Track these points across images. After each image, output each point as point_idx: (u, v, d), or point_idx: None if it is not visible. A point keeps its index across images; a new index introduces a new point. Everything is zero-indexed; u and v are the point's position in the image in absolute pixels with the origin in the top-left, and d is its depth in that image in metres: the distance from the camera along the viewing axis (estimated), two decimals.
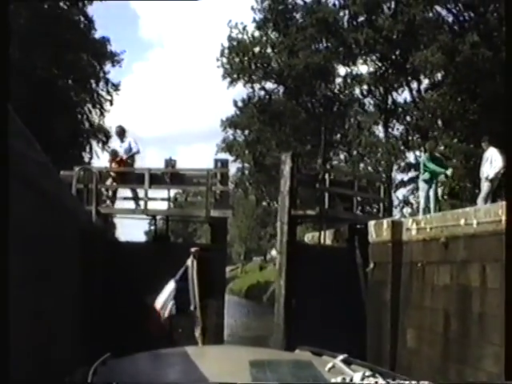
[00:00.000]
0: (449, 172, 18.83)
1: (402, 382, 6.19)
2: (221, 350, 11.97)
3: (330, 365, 7.18)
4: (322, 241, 20.53)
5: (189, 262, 15.47)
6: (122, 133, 20.89)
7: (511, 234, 5.08)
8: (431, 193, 18.14)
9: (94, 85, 45.67)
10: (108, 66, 45.89)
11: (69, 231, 13.13)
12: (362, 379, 5.61)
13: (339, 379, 5.93)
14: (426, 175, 18.08)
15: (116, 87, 46.53)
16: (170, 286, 15.69)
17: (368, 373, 6.08)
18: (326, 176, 19.92)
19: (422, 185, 18.41)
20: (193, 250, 15.68)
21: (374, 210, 27.69)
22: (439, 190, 21.58)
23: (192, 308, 15.13)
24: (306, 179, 19.97)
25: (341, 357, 7.75)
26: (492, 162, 15.91)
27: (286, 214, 17.63)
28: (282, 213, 17.87)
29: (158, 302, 15.49)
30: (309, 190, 21.86)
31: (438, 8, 40.96)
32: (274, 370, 6.88)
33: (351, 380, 5.68)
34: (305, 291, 17.20)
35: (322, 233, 20.82)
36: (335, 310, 16.93)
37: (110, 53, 45.56)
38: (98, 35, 44.23)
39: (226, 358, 8.68)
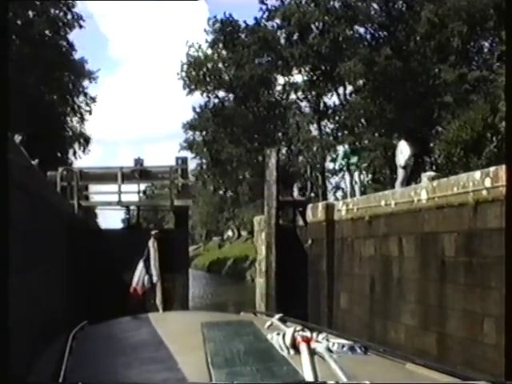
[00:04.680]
0: (354, 160, 18.41)
1: (326, 334, 6.25)
2: (178, 314, 11.93)
3: (268, 323, 7.21)
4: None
5: (150, 242, 15.37)
6: None
7: (511, 203, 4.88)
8: (356, 179, 18.18)
9: (75, 98, 45.12)
10: (86, 82, 45.55)
11: (55, 222, 12.92)
12: (293, 333, 5.63)
13: (274, 334, 5.96)
14: (351, 165, 18.05)
15: (93, 100, 46.20)
16: (140, 265, 15.56)
17: (298, 328, 6.11)
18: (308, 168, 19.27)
19: (347, 173, 18.38)
20: (153, 232, 15.64)
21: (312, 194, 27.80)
22: (363, 177, 21.66)
23: (154, 281, 15.01)
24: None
25: (277, 316, 7.81)
26: (403, 152, 16.04)
27: (274, 199, 16.98)
28: (269, 199, 17.12)
29: (134, 281, 15.34)
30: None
31: (358, 27, 41.40)
32: (221, 329, 6.90)
33: (284, 335, 5.70)
34: (287, 264, 16.87)
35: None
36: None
37: (88, 71, 45.08)
38: (76, 57, 43.76)
39: (182, 321, 8.67)
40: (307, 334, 5.85)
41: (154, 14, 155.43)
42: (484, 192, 8.98)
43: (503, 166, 8.04)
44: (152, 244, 15.56)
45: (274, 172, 17.05)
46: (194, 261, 64.98)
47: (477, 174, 9.28)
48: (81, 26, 41.65)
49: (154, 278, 15.07)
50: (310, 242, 16.20)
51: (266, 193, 17.41)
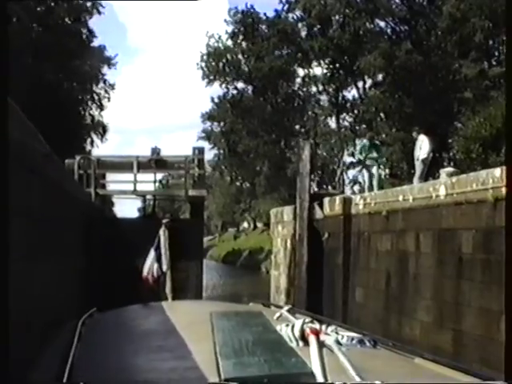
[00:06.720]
0: (374, 155, 18.36)
1: (335, 326, 6.18)
2: (188, 303, 11.86)
3: (277, 314, 7.16)
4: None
5: (161, 231, 15.34)
6: None
7: (511, 203, 4.80)
8: (375, 173, 18.11)
9: (93, 85, 45.27)
10: (105, 69, 45.67)
11: (72, 210, 12.97)
12: (302, 325, 5.59)
13: (283, 325, 5.92)
14: (369, 160, 18.01)
15: (112, 86, 46.42)
16: (151, 254, 15.55)
17: (308, 319, 6.06)
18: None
19: (366, 168, 18.31)
20: (164, 221, 15.61)
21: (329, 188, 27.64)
22: (381, 171, 21.51)
23: (164, 269, 14.99)
24: None
25: (286, 307, 7.75)
26: (422, 146, 15.97)
27: (307, 192, 16.63)
28: (302, 191, 16.72)
29: (144, 269, 15.34)
30: None
31: (378, 21, 41.13)
32: (230, 320, 6.84)
33: (293, 326, 5.66)
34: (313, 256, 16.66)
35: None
36: None
37: (106, 57, 45.21)
38: (95, 44, 43.86)
39: (191, 310, 8.63)
40: (316, 326, 5.79)
41: (174, 4, 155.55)
42: (503, 189, 8.86)
43: None
44: (163, 233, 15.54)
45: (307, 164, 16.80)
46: (209, 251, 65.13)
47: (497, 171, 9.16)
48: (99, 12, 41.71)
49: (164, 267, 15.05)
50: (326, 235, 16.11)
51: (298, 185, 17.20)
